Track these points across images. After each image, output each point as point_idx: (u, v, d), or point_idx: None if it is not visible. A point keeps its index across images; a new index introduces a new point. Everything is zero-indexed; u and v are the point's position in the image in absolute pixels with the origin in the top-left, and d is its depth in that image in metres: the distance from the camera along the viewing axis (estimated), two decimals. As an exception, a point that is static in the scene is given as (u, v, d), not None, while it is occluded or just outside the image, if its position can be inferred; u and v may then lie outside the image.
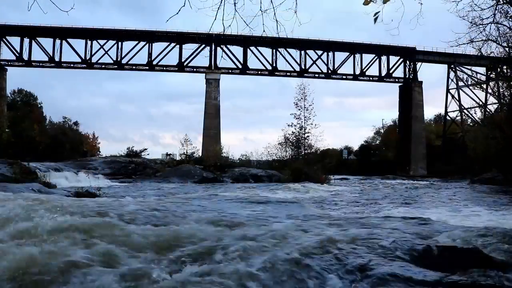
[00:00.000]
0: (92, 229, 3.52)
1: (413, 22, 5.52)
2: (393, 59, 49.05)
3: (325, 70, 47.85)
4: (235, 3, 4.40)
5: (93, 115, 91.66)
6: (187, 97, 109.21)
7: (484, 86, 43.23)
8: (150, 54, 45.58)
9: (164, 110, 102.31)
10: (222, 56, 52.90)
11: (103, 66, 46.51)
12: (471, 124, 49.25)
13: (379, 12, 3.97)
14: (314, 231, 3.97)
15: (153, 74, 48.51)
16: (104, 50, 44.99)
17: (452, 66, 49.77)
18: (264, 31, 4.59)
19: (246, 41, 43.28)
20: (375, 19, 3.99)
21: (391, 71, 49.02)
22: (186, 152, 32.39)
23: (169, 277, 2.60)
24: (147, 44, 45.36)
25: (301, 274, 2.69)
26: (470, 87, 46.63)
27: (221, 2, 4.33)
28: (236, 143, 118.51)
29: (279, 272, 2.66)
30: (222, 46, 43.96)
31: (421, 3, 5.16)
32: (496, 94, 36.40)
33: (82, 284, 2.46)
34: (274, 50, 46.41)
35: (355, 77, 49.12)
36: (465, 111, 49.35)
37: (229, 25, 4.42)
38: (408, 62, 49.19)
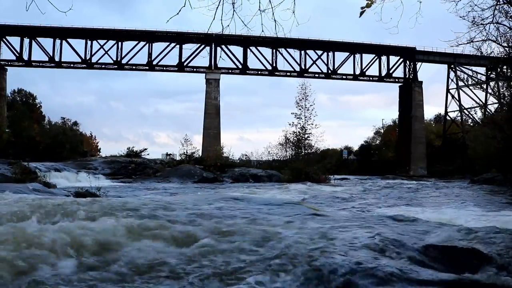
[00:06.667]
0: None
1: (412, 21, 5.51)
2: (393, 59, 48.98)
3: (325, 70, 47.78)
4: (233, 3, 4.39)
5: (82, 113, 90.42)
6: (178, 95, 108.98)
7: (484, 86, 43.26)
8: (150, 54, 45.54)
9: (155, 109, 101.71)
10: (220, 56, 52.97)
11: (103, 66, 46.46)
12: (471, 124, 49.24)
13: (366, 8, 3.98)
14: (314, 230, 3.97)
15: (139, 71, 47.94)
16: (104, 50, 44.94)
17: (452, 66, 49.72)
18: (262, 31, 4.59)
19: (246, 41, 43.23)
20: (361, 13, 4.00)
21: (391, 71, 48.95)
22: (186, 152, 32.40)
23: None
24: (147, 44, 45.33)
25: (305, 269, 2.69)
26: (470, 87, 46.61)
27: (219, 2, 4.33)
28: (232, 142, 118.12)
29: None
30: (222, 46, 43.92)
31: (420, 1, 5.16)
32: (496, 94, 36.41)
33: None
34: (274, 50, 46.36)
35: (355, 77, 49.06)
36: (465, 111, 49.32)
37: (228, 25, 4.42)
38: (408, 62, 49.12)
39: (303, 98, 32.55)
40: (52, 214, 4.44)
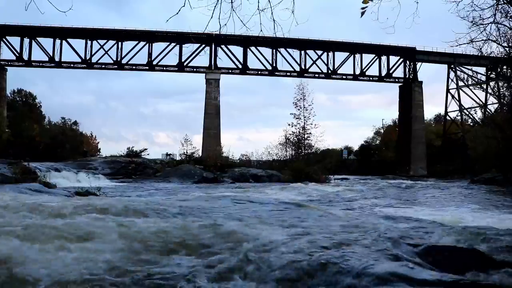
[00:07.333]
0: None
1: (409, 21, 5.50)
2: (393, 59, 48.97)
3: (325, 70, 47.76)
4: (232, 2, 4.38)
5: (81, 113, 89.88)
6: (178, 95, 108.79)
7: (484, 86, 43.30)
8: (150, 54, 45.54)
9: (154, 109, 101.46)
10: (217, 56, 52.90)
11: (103, 66, 46.45)
12: (471, 124, 49.25)
13: (366, 7, 3.97)
14: (310, 229, 3.97)
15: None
16: (104, 50, 44.93)
17: (452, 66, 49.72)
18: (261, 30, 4.58)
19: (246, 41, 43.22)
20: (362, 13, 4.00)
21: (391, 71, 48.93)
22: (186, 152, 32.43)
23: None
24: (147, 44, 45.32)
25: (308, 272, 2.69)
26: (470, 87, 46.63)
27: (217, 1, 4.32)
28: (232, 142, 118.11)
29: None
30: (222, 46, 43.90)
31: (417, 2, 5.16)
32: (496, 94, 36.48)
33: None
34: (274, 50, 46.35)
35: (355, 77, 49.03)
36: (465, 111, 49.33)
37: (225, 24, 4.40)
38: (408, 62, 49.11)
39: (301, 98, 32.63)
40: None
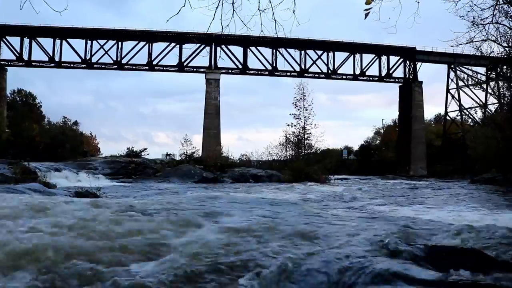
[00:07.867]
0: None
1: (410, 20, 5.51)
2: (393, 59, 48.96)
3: (325, 70, 47.75)
4: (233, 3, 4.39)
5: (81, 113, 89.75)
6: (177, 94, 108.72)
7: (484, 86, 43.30)
8: (150, 54, 45.54)
9: (154, 109, 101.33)
10: (220, 56, 52.94)
11: (103, 66, 46.45)
12: (471, 124, 49.24)
13: (371, 8, 3.97)
14: (312, 229, 3.97)
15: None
16: (104, 50, 44.91)
17: (452, 66, 49.71)
18: (262, 30, 4.58)
19: (246, 41, 43.21)
20: (366, 15, 4.00)
21: (391, 71, 48.92)
22: (186, 152, 32.38)
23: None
24: (147, 44, 45.32)
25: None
26: (470, 87, 46.61)
27: (219, 2, 4.32)
28: (231, 142, 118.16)
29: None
30: (222, 46, 43.91)
31: (418, 1, 5.16)
32: (496, 94, 36.47)
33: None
34: (274, 50, 46.35)
35: (355, 77, 49.02)
36: (465, 111, 49.31)
37: (227, 25, 4.41)
38: (408, 62, 49.11)
39: (301, 98, 32.54)
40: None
